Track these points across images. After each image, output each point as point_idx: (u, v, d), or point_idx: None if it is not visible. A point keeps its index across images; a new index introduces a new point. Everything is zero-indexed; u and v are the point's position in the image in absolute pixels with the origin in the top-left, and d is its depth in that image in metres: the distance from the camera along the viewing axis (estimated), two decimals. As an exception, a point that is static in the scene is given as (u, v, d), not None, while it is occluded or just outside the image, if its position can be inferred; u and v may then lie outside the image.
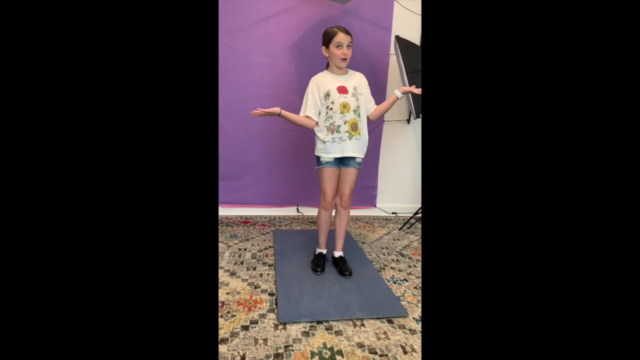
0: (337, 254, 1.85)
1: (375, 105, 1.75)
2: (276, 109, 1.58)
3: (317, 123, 1.69)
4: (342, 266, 1.79)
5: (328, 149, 1.67)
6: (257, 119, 2.41)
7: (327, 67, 1.71)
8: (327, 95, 1.64)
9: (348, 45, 1.61)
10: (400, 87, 2.03)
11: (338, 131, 1.66)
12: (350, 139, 1.67)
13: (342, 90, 1.65)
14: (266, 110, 1.55)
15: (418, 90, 1.66)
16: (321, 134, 1.68)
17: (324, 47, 1.66)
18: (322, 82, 1.66)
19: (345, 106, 1.64)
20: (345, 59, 1.63)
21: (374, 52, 2.48)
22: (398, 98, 1.71)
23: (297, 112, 1.70)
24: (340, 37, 1.59)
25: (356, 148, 1.69)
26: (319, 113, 1.68)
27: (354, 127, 1.67)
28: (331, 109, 1.64)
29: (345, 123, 1.65)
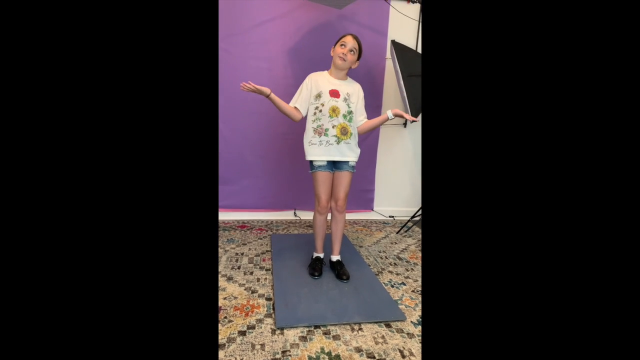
0: (335, 258, 1.84)
1: (366, 119, 1.75)
2: (266, 89, 1.58)
3: (303, 117, 1.71)
4: (339, 270, 1.78)
5: (314, 152, 1.67)
6: (252, 122, 2.44)
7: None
8: (319, 96, 1.65)
9: (352, 50, 1.63)
10: (396, 94, 2.04)
11: (325, 134, 1.66)
12: (338, 142, 1.67)
13: (334, 94, 1.65)
14: (257, 86, 1.55)
15: (410, 117, 1.67)
16: (307, 135, 1.70)
17: (333, 47, 1.69)
18: (317, 82, 1.68)
19: (334, 110, 1.65)
20: (344, 60, 1.64)
21: (370, 56, 2.49)
22: (389, 118, 1.70)
23: (290, 120, 1.71)
24: (347, 38, 1.64)
25: (347, 152, 1.69)
26: (307, 110, 1.70)
27: (344, 131, 1.67)
28: (320, 110, 1.65)
29: (333, 127, 1.66)
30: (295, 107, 1.69)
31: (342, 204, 1.75)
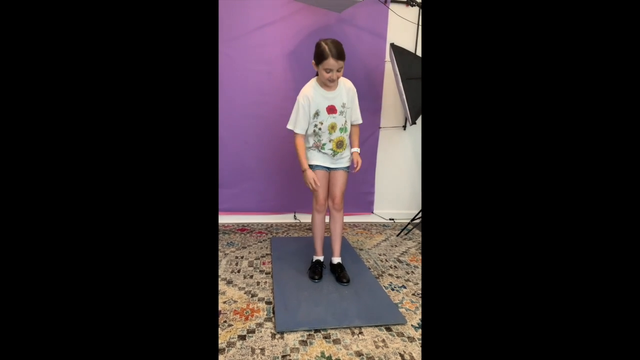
0: (336, 260, 1.84)
1: (358, 124, 1.76)
2: (304, 166, 1.66)
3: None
4: (339, 273, 1.78)
5: (313, 156, 1.71)
6: (252, 125, 2.45)
7: (317, 74, 1.66)
8: (317, 114, 1.63)
9: (338, 69, 1.55)
10: (395, 97, 2.04)
11: (323, 148, 1.69)
12: (334, 155, 1.71)
13: (332, 110, 1.63)
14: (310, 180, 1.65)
15: (356, 168, 1.72)
16: (307, 142, 1.72)
17: (314, 62, 1.58)
18: (314, 99, 1.61)
19: (333, 127, 1.66)
20: (333, 81, 1.58)
21: (369, 59, 2.50)
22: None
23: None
24: (331, 63, 1.50)
25: (341, 160, 1.74)
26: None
27: (340, 144, 1.70)
28: (320, 129, 1.65)
29: (330, 141, 1.68)
30: (298, 134, 1.67)
31: (339, 201, 1.76)
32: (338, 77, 1.58)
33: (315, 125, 1.64)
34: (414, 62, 2.21)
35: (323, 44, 1.52)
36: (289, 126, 1.67)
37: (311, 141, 1.70)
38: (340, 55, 1.51)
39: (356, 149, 1.75)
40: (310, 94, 1.62)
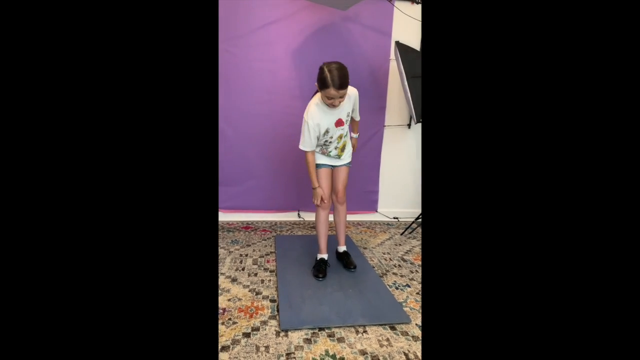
0: (341, 249, 1.93)
1: (357, 120, 1.85)
2: (314, 184, 1.74)
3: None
4: (346, 260, 1.88)
5: (319, 157, 1.77)
6: (257, 124, 2.45)
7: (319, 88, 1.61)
8: (327, 132, 1.66)
9: (340, 96, 1.52)
10: (400, 95, 2.01)
11: (329, 155, 1.77)
12: (339, 157, 1.79)
13: (339, 123, 1.67)
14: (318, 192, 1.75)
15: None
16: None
17: (317, 84, 1.54)
18: (322, 119, 1.61)
19: (340, 137, 1.72)
20: (335, 106, 1.57)
21: (374, 57, 2.49)
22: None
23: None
24: (332, 92, 1.48)
25: (343, 159, 1.81)
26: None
27: (343, 148, 1.78)
28: (330, 142, 1.71)
29: (336, 148, 1.76)
30: (307, 152, 1.68)
31: (341, 195, 1.86)
32: (340, 102, 1.55)
33: (326, 140, 1.70)
34: (418, 61, 2.19)
35: (326, 70, 1.47)
36: (301, 146, 1.67)
37: (317, 149, 1.75)
38: (342, 85, 1.47)
39: (355, 135, 1.93)
40: (318, 114, 1.60)
